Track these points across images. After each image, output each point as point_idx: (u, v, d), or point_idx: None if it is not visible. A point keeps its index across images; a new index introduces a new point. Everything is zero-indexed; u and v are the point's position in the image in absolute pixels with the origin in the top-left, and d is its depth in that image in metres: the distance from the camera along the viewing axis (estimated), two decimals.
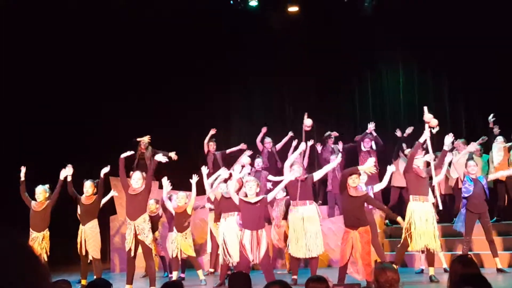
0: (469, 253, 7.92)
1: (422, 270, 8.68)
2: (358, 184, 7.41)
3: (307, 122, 9.34)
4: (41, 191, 8.87)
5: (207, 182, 8.72)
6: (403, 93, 13.25)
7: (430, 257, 7.98)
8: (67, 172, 8.72)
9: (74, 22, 12.13)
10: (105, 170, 8.63)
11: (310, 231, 8.08)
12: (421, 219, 7.76)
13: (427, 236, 7.72)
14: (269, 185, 9.54)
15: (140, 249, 7.87)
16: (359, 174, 7.48)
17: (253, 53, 13.06)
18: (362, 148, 11.15)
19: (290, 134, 11.28)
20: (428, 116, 8.22)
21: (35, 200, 8.86)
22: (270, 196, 7.32)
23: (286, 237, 9.12)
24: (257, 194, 7.36)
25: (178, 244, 8.71)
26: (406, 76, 13.35)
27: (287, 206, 8.97)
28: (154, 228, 8.92)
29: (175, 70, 12.99)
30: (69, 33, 12.18)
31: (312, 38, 13.01)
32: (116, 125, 12.05)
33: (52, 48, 12.11)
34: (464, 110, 12.77)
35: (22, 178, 8.87)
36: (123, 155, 8.07)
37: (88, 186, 8.80)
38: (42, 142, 11.72)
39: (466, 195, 8.69)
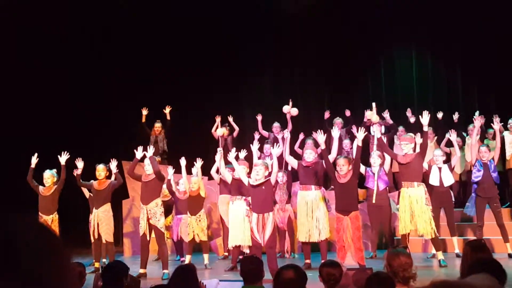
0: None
1: (434, 255, 8.65)
2: (346, 171, 7.53)
3: (293, 111, 9.58)
4: (49, 176, 8.96)
5: (221, 165, 8.54)
6: (416, 80, 13.18)
7: (435, 241, 8.05)
8: (78, 165, 8.81)
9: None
10: (79, 167, 8.73)
11: (315, 215, 8.19)
12: (406, 205, 7.85)
13: (417, 220, 7.77)
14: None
15: (153, 233, 7.97)
16: (349, 162, 7.60)
17: (266, 40, 13.06)
18: (371, 132, 10.59)
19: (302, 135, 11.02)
20: (369, 113, 8.43)
21: (43, 185, 8.95)
22: (272, 178, 7.29)
23: (290, 221, 9.30)
24: (266, 177, 7.30)
25: (193, 227, 8.67)
26: (419, 63, 13.26)
27: (289, 190, 9.15)
28: (167, 213, 9.08)
29: (186, 58, 13.00)
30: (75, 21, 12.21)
31: (326, 26, 12.89)
32: (128, 109, 12.10)
33: (58, 35, 12.08)
34: (477, 95, 12.68)
35: (33, 166, 8.95)
36: (138, 155, 8.07)
37: (101, 170, 8.82)
38: (50, 126, 11.75)
39: (475, 179, 8.76)
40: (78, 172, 8.87)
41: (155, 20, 12.83)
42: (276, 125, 11.56)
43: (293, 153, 10.00)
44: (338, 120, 11.50)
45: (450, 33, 12.45)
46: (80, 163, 8.88)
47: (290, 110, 9.75)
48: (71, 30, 12.17)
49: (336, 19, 12.88)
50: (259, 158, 8.78)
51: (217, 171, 9.17)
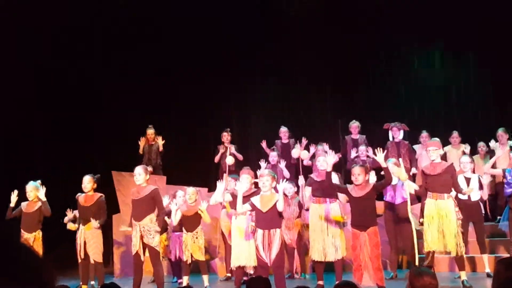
0: None
1: None
2: (362, 180, 7.19)
3: (303, 154, 9.49)
4: (32, 189, 8.66)
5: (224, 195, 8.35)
6: (433, 78, 13.09)
7: (459, 260, 7.76)
8: (69, 219, 8.73)
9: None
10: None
11: (330, 231, 8.00)
12: (433, 218, 7.67)
13: (446, 237, 7.60)
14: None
15: (147, 252, 7.72)
16: (365, 171, 7.32)
17: (267, 43, 13.15)
18: (390, 138, 10.67)
19: (314, 148, 10.65)
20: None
21: (26, 199, 8.70)
22: (280, 206, 7.02)
23: (300, 237, 9.16)
24: (274, 188, 7.13)
25: (188, 246, 8.42)
26: (436, 60, 13.26)
27: (300, 206, 8.95)
28: (163, 229, 8.78)
29: (184, 61, 13.10)
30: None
31: (331, 21, 12.91)
32: (125, 117, 12.21)
33: (57, 36, 12.30)
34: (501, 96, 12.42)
35: (12, 204, 8.70)
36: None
37: (87, 182, 8.47)
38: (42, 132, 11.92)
39: (508, 190, 8.53)
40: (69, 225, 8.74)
41: (155, 22, 12.97)
42: (283, 130, 11.34)
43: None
44: (354, 124, 11.26)
45: (467, 28, 12.25)
46: (70, 214, 8.71)
47: (300, 153, 9.67)
48: (70, 31, 12.29)
49: (340, 18, 12.86)
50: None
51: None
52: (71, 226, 8.66)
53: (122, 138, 11.67)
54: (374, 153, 7.53)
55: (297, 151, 9.88)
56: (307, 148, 10.57)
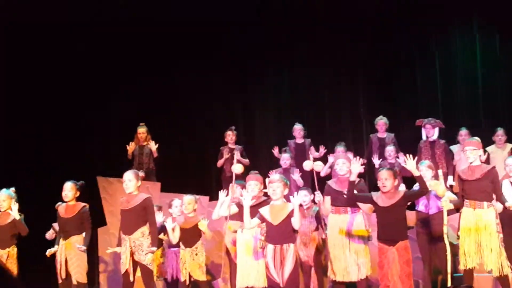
0: None
1: None
2: (390, 186, 6.56)
3: (316, 166, 9.08)
4: (5, 198, 8.07)
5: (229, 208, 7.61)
6: (480, 64, 12.49)
7: (503, 280, 7.14)
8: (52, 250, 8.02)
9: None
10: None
11: (353, 247, 7.46)
12: (470, 231, 7.10)
13: (485, 252, 7.00)
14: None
15: (138, 271, 7.23)
16: (394, 175, 6.71)
17: (267, 43, 13.18)
18: (423, 137, 10.02)
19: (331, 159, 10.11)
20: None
21: None
22: (296, 223, 6.49)
23: (317, 253, 8.48)
24: (285, 197, 6.66)
25: (186, 263, 7.94)
26: (484, 44, 12.59)
27: (318, 217, 8.35)
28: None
29: (182, 60, 13.13)
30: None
31: (331, 21, 12.84)
32: (125, 117, 12.12)
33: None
34: None
35: None
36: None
37: (68, 189, 7.86)
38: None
39: None
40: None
41: (155, 22, 12.97)
42: (297, 127, 10.87)
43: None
44: (381, 121, 10.69)
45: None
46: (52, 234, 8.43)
47: (313, 166, 9.06)
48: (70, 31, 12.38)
49: (340, 18, 12.80)
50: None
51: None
52: (50, 251, 7.98)
53: (122, 138, 11.55)
54: (404, 161, 6.90)
55: (309, 164, 9.23)
56: (324, 156, 10.20)
